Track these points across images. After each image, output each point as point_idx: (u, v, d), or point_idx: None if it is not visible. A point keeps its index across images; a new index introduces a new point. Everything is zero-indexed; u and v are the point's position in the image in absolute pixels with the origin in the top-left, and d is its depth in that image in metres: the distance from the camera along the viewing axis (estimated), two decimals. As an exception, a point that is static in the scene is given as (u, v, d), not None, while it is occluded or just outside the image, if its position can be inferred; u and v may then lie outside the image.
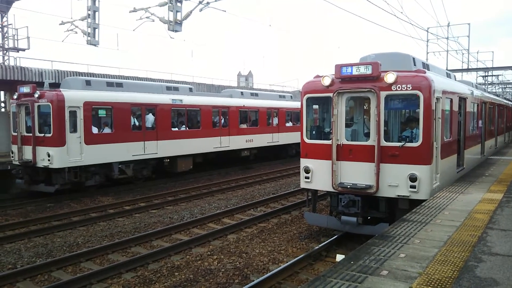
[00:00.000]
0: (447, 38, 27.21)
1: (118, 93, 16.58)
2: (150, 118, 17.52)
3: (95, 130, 15.60)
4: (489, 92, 22.85)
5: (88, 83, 16.00)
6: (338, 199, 9.19)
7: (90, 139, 15.22)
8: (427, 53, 28.27)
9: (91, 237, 10.71)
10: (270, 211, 12.85)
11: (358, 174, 8.90)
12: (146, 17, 17.35)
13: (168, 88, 19.14)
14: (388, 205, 8.83)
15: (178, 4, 15.18)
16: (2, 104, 20.69)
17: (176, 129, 18.89)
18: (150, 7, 17.24)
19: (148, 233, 10.59)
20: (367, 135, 9.13)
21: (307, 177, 9.65)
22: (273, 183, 18.87)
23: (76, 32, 18.57)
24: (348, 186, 8.88)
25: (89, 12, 16.81)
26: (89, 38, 16.97)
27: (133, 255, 9.22)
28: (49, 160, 14.46)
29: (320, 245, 9.23)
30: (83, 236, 10.82)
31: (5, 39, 21.37)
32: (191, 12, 16.02)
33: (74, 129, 14.83)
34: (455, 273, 4.46)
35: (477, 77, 37.33)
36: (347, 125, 9.36)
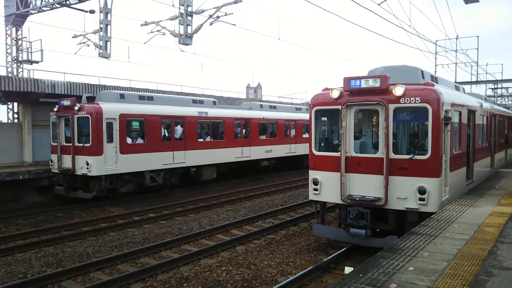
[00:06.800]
0: (456, 51, 27.19)
1: (150, 106, 17.46)
2: (178, 130, 18.34)
3: (129, 140, 16.48)
4: (498, 105, 22.73)
5: (122, 96, 16.92)
6: (347, 211, 9.19)
7: (124, 149, 16.03)
8: (436, 65, 28.27)
9: (100, 247, 10.79)
10: (278, 223, 12.85)
11: (367, 186, 8.90)
12: (157, 31, 17.66)
13: (194, 101, 20.08)
14: (397, 217, 8.80)
15: (189, 18, 15.41)
16: (15, 115, 20.99)
17: (202, 139, 19.64)
18: (161, 21, 17.55)
19: (157, 244, 10.64)
20: (376, 148, 9.14)
21: (315, 189, 9.67)
22: (281, 194, 18.87)
23: (88, 45, 18.94)
24: (357, 199, 8.88)
25: (101, 25, 17.15)
26: (101, 51, 17.29)
27: (142, 266, 9.27)
28: (87, 168, 15.26)
29: (328, 257, 9.20)
30: (93, 246, 10.90)
31: (20, 51, 21.78)
32: (201, 25, 16.28)
33: (110, 139, 15.65)
34: (465, 287, 4.44)
35: (486, 89, 37.16)
36: (355, 138, 9.38)
